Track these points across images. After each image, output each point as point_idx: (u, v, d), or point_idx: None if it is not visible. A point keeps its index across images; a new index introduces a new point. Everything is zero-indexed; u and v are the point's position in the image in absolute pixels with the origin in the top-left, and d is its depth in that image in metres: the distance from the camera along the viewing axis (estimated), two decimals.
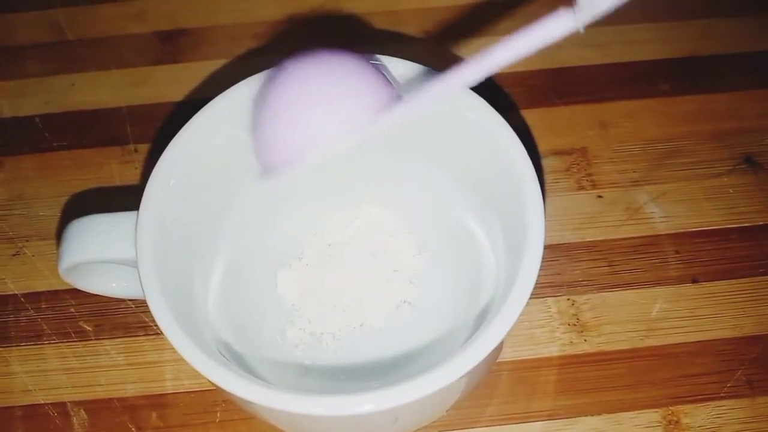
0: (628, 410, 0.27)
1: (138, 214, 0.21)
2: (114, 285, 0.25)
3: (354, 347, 0.26)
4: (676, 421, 0.26)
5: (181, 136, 0.22)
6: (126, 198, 0.23)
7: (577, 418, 0.27)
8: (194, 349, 0.19)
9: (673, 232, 0.30)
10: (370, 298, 0.26)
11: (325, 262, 0.27)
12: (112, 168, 0.33)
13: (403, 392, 0.19)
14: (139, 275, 0.20)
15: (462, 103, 0.23)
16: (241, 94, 0.23)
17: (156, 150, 0.23)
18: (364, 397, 0.19)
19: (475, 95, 0.23)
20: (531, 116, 0.34)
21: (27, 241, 0.31)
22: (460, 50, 0.36)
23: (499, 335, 0.18)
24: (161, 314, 0.19)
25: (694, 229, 0.30)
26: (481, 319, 0.22)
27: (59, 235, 0.24)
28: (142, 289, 0.19)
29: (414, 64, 0.24)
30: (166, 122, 0.34)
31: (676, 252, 0.30)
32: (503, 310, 0.19)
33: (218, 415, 0.27)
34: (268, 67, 0.24)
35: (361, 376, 0.26)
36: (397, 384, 0.19)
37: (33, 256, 0.31)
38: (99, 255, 0.21)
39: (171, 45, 0.37)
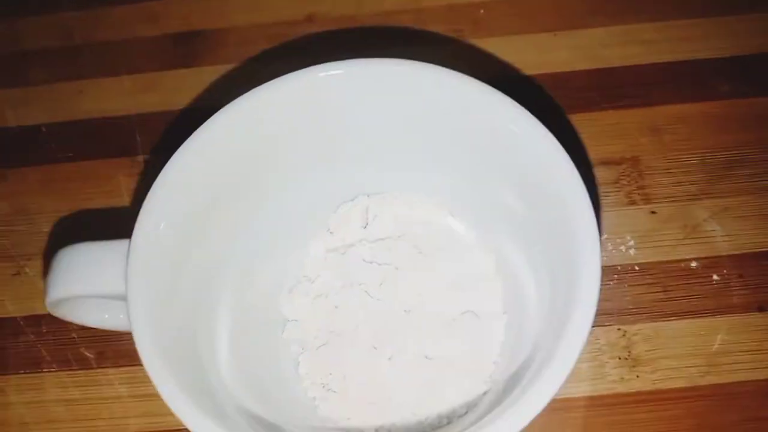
0: None
1: (127, 263, 0.19)
2: (107, 316, 0.23)
3: (377, 388, 0.23)
4: None
5: (167, 172, 0.21)
6: (133, 215, 0.22)
7: None
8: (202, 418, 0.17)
9: (736, 252, 0.28)
10: (393, 331, 0.24)
11: (340, 294, 0.25)
12: (120, 181, 0.32)
13: None
14: (134, 340, 0.18)
15: (507, 115, 0.21)
16: (225, 121, 0.22)
17: (167, 162, 0.22)
18: None
19: (521, 108, 0.21)
20: (574, 122, 0.31)
21: (29, 259, 0.30)
22: (493, 50, 0.34)
23: (543, 402, 0.16)
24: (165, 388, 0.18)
25: (759, 250, 0.28)
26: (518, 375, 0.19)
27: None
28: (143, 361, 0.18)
29: (443, 68, 0.22)
30: (178, 131, 0.33)
31: (740, 276, 0.27)
32: (546, 376, 0.16)
33: None
34: (282, 74, 0.23)
35: (384, 420, 0.23)
36: None
37: (35, 276, 0.30)
38: (87, 290, 0.19)
39: (184, 48, 0.36)
